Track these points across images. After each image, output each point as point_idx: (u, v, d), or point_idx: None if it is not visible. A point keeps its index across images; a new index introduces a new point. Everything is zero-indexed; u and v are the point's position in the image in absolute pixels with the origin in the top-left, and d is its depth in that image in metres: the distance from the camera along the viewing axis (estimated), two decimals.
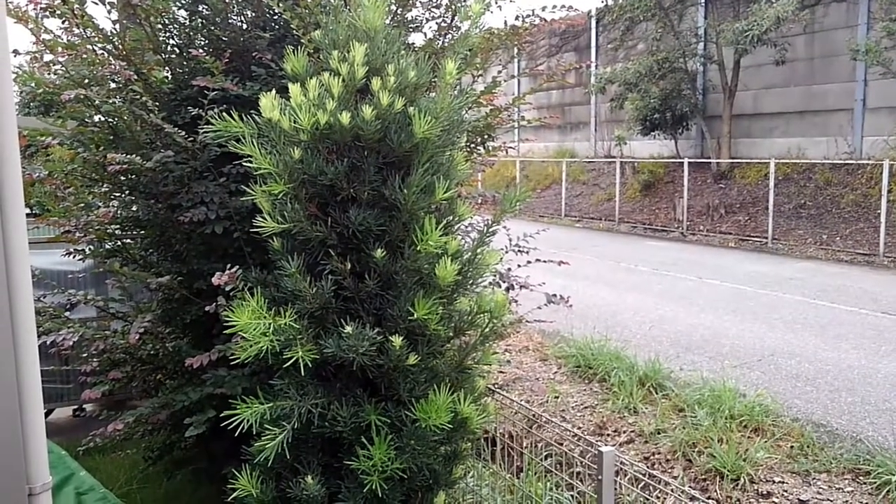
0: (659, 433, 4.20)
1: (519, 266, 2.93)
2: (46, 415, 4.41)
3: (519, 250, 2.87)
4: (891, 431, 4.06)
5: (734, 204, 12.45)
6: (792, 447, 3.87)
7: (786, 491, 3.48)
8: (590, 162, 16.66)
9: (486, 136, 2.91)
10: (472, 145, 3.02)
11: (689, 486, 3.64)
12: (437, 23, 2.72)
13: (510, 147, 3.33)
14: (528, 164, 17.98)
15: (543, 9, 2.97)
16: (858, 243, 10.06)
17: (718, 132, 13.27)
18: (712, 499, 3.52)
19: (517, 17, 2.81)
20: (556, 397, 4.89)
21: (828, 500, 3.39)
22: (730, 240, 11.59)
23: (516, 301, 3.02)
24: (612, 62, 15.34)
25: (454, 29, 2.66)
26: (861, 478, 3.55)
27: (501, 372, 5.42)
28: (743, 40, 10.73)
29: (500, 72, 3.09)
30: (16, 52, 2.75)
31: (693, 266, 9.43)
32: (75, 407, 4.51)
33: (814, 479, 3.59)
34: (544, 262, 3.15)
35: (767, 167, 11.49)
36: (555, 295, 2.91)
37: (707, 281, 8.47)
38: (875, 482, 3.46)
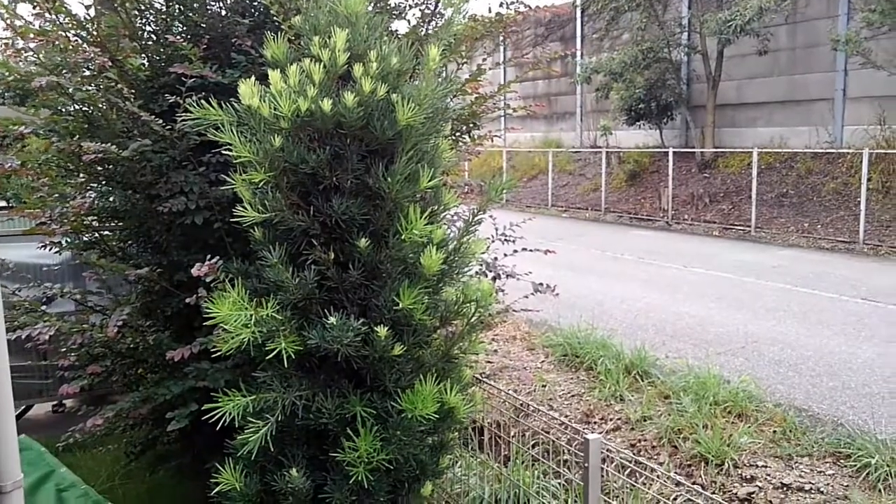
0: (645, 420, 4.23)
1: (505, 255, 2.92)
2: (25, 411, 4.33)
3: (505, 239, 2.86)
4: (871, 415, 4.13)
5: (718, 193, 12.56)
6: (775, 432, 3.93)
7: (769, 475, 3.53)
8: (576, 152, 16.68)
9: (471, 125, 2.88)
10: (458, 134, 2.99)
11: (675, 472, 3.68)
12: (420, 10, 2.67)
13: (496, 136, 3.30)
14: (515, 154, 17.97)
15: None
16: (839, 231, 10.21)
17: (702, 122, 13.36)
18: (697, 484, 3.56)
19: (501, 4, 2.78)
20: (544, 386, 4.91)
21: (809, 482, 3.45)
22: (714, 229, 11.70)
23: (503, 290, 3.02)
24: (597, 52, 15.34)
25: (438, 16, 2.62)
26: (842, 461, 3.61)
27: (489, 361, 5.43)
28: (726, 30, 10.78)
29: (484, 59, 3.05)
30: None
31: (678, 255, 9.51)
32: (55, 403, 4.44)
33: (796, 462, 3.64)
34: (531, 251, 3.14)
35: (750, 156, 11.60)
36: (541, 284, 2.90)
37: (692, 269, 8.55)
38: (855, 465, 3.52)
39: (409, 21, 2.74)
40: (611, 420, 4.46)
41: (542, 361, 5.48)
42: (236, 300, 1.71)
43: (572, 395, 4.85)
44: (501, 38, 3.23)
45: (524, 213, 13.64)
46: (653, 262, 9.14)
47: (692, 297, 7.12)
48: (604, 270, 8.66)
